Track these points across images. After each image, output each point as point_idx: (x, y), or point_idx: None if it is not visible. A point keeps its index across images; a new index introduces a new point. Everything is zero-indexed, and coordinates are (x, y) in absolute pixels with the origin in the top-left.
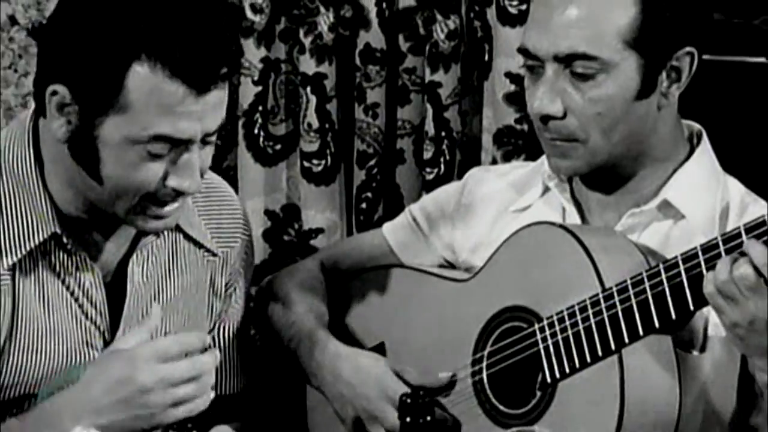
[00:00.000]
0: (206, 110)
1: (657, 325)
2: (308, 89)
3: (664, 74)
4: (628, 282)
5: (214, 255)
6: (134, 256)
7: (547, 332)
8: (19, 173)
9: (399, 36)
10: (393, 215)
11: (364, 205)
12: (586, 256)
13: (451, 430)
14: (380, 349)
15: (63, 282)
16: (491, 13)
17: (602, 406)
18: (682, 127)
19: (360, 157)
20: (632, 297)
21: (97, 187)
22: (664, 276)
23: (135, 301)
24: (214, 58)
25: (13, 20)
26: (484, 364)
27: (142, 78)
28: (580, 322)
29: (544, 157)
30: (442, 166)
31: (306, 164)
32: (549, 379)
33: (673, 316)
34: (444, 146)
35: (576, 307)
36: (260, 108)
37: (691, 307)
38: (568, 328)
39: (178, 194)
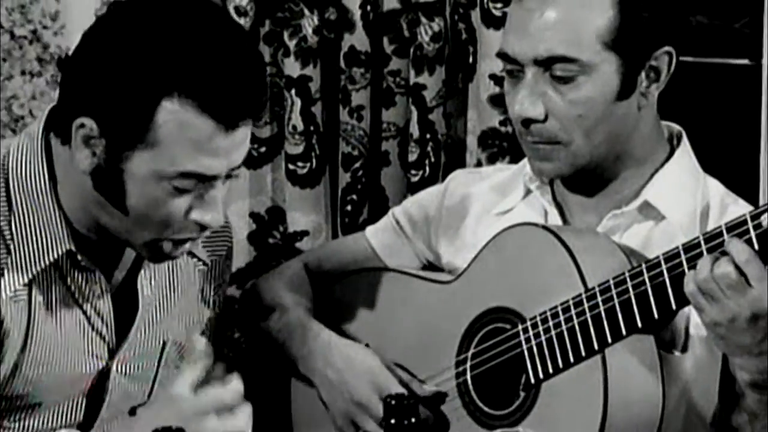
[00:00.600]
0: (233, 147)
1: (640, 324)
2: (293, 92)
3: (643, 74)
4: (611, 282)
5: (205, 264)
6: (143, 270)
7: (531, 333)
8: (32, 189)
9: (383, 38)
10: (378, 218)
11: (349, 208)
12: (569, 256)
13: (436, 431)
14: None
15: (73, 296)
16: (475, 16)
17: (586, 405)
18: (662, 128)
19: (345, 160)
20: (615, 297)
21: (120, 216)
22: (646, 276)
23: (144, 312)
24: (243, 94)
25: None
26: (468, 365)
27: (172, 114)
28: (563, 322)
29: (525, 160)
30: (427, 169)
31: (291, 167)
32: (533, 380)
33: (656, 316)
34: (429, 148)
35: (559, 308)
36: None
37: (674, 307)
38: (552, 328)
39: (200, 228)
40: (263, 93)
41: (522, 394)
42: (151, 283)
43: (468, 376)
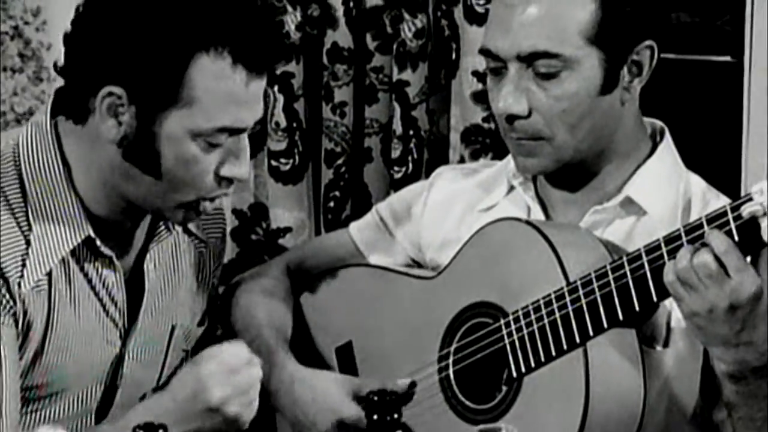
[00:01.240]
0: (257, 99)
1: (621, 317)
2: (276, 88)
3: (625, 69)
4: (593, 275)
5: (206, 246)
6: (148, 253)
7: (513, 327)
8: (47, 178)
9: (366, 35)
10: (361, 214)
11: (332, 204)
12: (551, 250)
13: (419, 427)
14: (348, 347)
15: (90, 282)
16: (458, 12)
17: (567, 399)
18: (645, 124)
19: (328, 156)
20: (596, 290)
21: (151, 182)
22: (627, 268)
23: (150, 296)
24: (271, 39)
25: None
26: (451, 360)
27: (206, 68)
28: (545, 316)
29: (509, 157)
30: (410, 165)
31: (274, 163)
32: (515, 374)
33: (637, 308)
34: (412, 145)
35: (541, 302)
36: None
37: (655, 299)
38: (534, 322)
39: (228, 183)
40: (282, 36)
41: (504, 388)
42: (155, 267)
43: (450, 371)
